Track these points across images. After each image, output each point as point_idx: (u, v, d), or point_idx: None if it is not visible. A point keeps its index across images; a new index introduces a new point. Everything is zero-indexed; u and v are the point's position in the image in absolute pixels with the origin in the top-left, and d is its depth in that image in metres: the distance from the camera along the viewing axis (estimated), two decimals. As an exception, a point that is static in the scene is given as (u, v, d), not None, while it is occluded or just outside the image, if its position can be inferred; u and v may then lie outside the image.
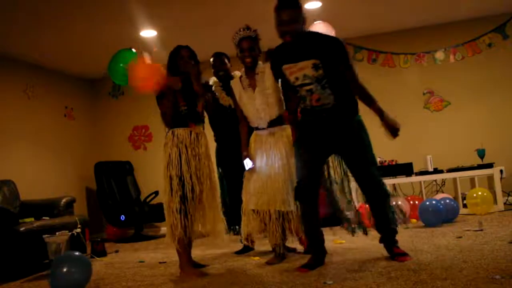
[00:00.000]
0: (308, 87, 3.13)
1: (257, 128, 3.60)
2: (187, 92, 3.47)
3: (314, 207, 3.25)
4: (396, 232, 3.30)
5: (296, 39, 3.05)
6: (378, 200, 3.23)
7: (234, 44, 3.53)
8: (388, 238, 3.29)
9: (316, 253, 3.30)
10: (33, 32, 5.51)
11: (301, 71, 3.10)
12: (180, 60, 3.49)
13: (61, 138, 7.11)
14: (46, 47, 6.12)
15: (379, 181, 3.23)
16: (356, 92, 3.14)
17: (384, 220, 3.26)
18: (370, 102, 3.10)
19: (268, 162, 3.49)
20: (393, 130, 3.07)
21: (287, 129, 3.57)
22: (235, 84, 3.64)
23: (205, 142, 3.54)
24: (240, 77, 3.64)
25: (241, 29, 3.50)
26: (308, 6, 5.53)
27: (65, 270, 3.10)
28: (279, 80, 3.44)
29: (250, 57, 3.49)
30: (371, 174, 3.20)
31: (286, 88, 3.39)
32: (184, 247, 3.40)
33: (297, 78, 3.14)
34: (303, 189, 3.22)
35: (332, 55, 3.05)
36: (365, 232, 3.53)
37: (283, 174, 3.45)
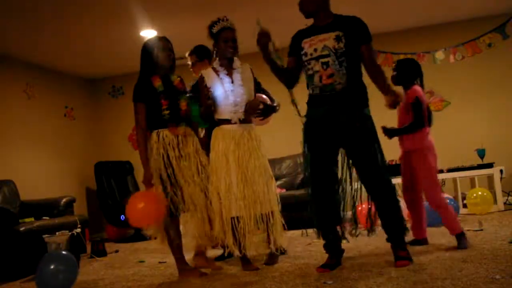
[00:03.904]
0: (324, 59, 3.04)
1: (224, 122, 3.38)
2: (169, 91, 3.33)
3: (328, 207, 3.17)
4: (402, 234, 3.11)
5: (319, 13, 3.13)
6: (383, 201, 3.10)
7: (211, 33, 3.35)
8: (393, 240, 3.12)
9: (333, 254, 3.24)
10: (33, 32, 5.51)
11: (322, 42, 3.07)
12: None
13: (61, 138, 7.11)
14: (46, 47, 6.12)
15: (386, 181, 3.09)
16: (371, 69, 3.10)
17: (390, 222, 3.11)
18: (384, 80, 3.09)
19: (243, 162, 3.28)
20: (393, 102, 3.08)
21: (255, 128, 3.46)
22: (207, 73, 3.41)
23: (192, 140, 3.40)
24: (213, 67, 3.44)
25: (221, 19, 3.35)
26: (308, 6, 5.53)
27: (51, 269, 3.12)
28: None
29: (234, 48, 3.36)
30: (377, 173, 3.06)
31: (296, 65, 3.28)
32: (177, 249, 3.34)
33: (315, 50, 3.08)
34: (316, 188, 3.15)
35: (355, 30, 3.07)
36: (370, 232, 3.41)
37: (261, 175, 3.30)
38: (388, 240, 3.17)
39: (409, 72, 3.73)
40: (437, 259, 3.09)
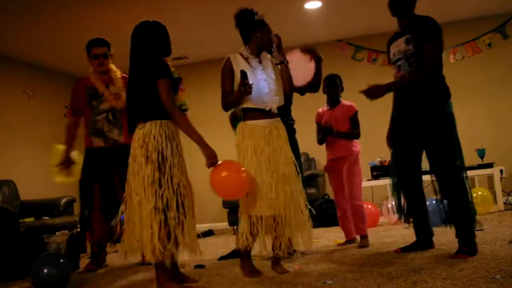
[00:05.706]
0: (398, 63, 3.29)
1: (252, 113, 3.14)
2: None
3: (418, 199, 3.43)
4: (465, 231, 3.19)
5: (399, 17, 3.38)
6: (451, 198, 3.28)
7: (251, 20, 3.14)
8: (458, 233, 3.23)
9: (422, 240, 3.46)
10: (33, 32, 5.51)
11: (397, 47, 3.32)
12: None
13: (61, 138, 7.09)
14: (46, 47, 6.12)
15: (456, 180, 3.24)
16: (420, 69, 3.18)
17: (456, 216, 3.26)
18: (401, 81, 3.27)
19: (273, 160, 3.06)
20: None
21: (281, 123, 3.24)
22: (235, 58, 3.16)
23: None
24: (240, 54, 3.21)
25: (254, 10, 3.18)
26: (308, 6, 5.53)
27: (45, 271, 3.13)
28: None
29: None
30: (447, 172, 3.21)
31: None
32: (169, 259, 2.81)
33: (394, 54, 3.35)
34: (402, 181, 3.41)
35: (420, 30, 3.22)
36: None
37: (291, 173, 3.11)
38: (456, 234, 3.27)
39: (340, 87, 4.28)
40: (437, 259, 3.09)
